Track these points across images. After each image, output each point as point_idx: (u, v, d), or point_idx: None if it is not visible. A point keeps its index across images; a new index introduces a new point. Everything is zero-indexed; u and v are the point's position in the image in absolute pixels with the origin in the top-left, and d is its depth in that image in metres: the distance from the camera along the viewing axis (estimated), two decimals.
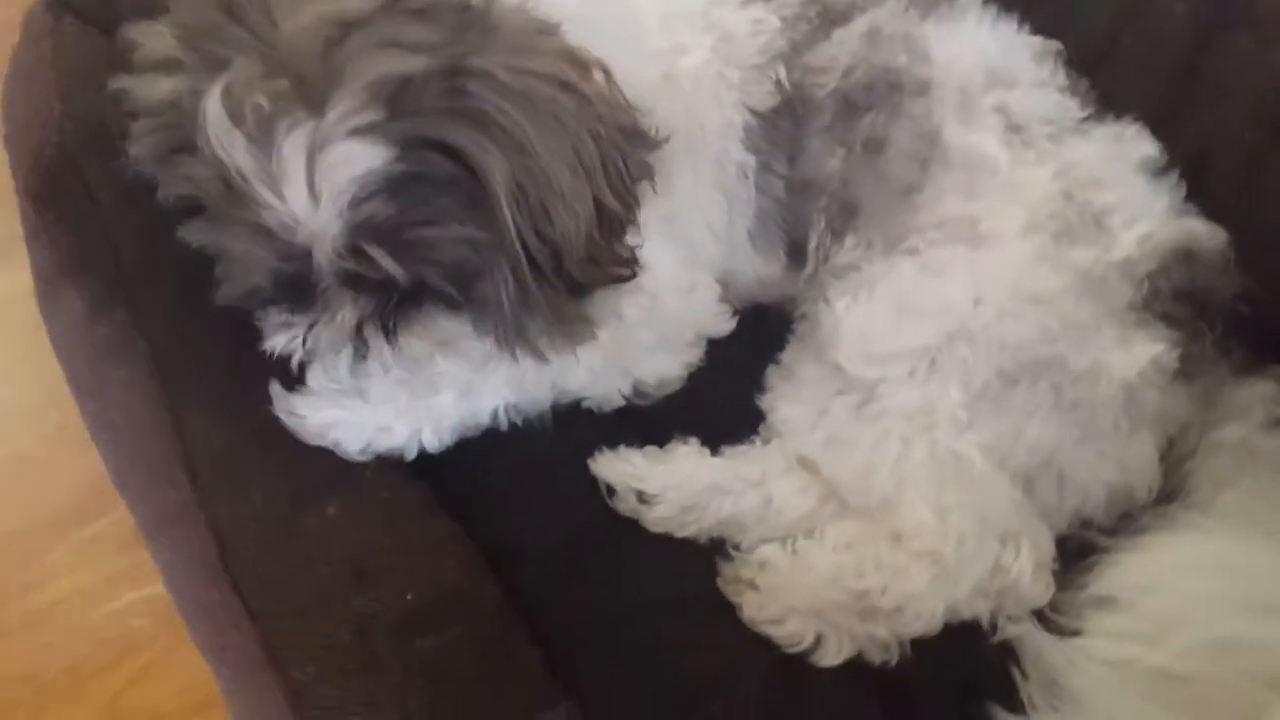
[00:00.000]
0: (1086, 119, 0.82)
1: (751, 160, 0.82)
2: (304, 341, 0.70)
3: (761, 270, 0.87)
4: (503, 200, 0.62)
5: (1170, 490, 0.78)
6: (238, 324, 0.72)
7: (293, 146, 0.59)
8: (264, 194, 0.60)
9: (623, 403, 0.81)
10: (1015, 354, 0.74)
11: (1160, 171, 0.81)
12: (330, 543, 0.66)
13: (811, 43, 0.83)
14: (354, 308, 0.67)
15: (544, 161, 0.63)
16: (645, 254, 0.73)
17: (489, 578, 0.69)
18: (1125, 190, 0.78)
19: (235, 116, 0.59)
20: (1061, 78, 0.85)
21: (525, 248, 0.64)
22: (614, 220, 0.68)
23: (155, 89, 0.64)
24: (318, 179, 0.60)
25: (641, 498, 0.77)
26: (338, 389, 0.72)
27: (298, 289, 0.66)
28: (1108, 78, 0.86)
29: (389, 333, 0.69)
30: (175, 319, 0.73)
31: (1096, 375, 0.73)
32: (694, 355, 0.84)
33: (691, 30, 0.82)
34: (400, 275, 0.63)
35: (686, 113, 0.77)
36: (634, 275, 0.72)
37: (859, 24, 0.84)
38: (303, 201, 0.60)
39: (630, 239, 0.70)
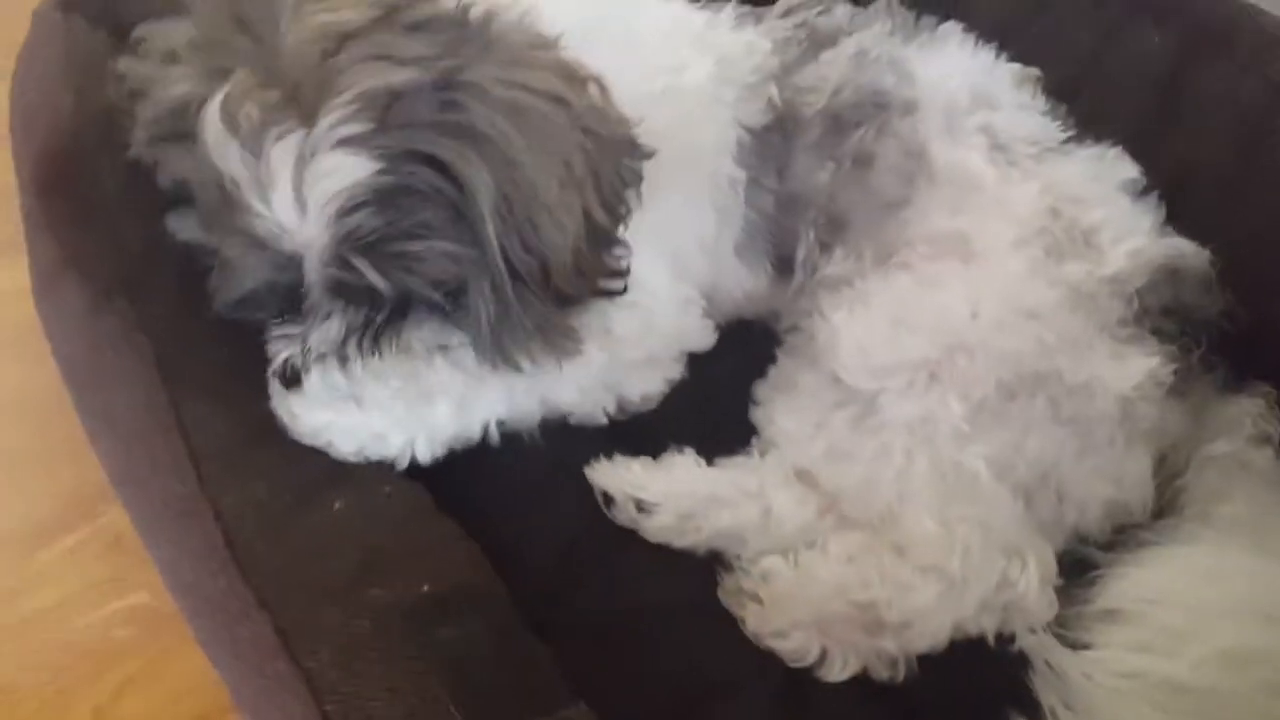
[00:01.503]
0: (1068, 140, 0.84)
1: (742, 175, 0.83)
2: (303, 352, 0.69)
3: (747, 284, 0.87)
4: (486, 215, 0.62)
5: (1163, 507, 0.78)
6: (234, 322, 0.70)
7: (281, 155, 0.59)
8: (254, 202, 0.60)
9: (606, 421, 0.80)
10: (1013, 367, 0.74)
11: (1141, 193, 0.82)
12: (338, 536, 0.64)
13: (801, 64, 0.85)
14: (342, 317, 0.67)
15: (532, 174, 0.63)
16: (637, 269, 0.73)
17: (496, 576, 0.67)
18: (1111, 208, 0.80)
19: (231, 125, 0.60)
20: (1041, 102, 0.87)
21: (509, 261, 0.64)
22: (602, 232, 0.68)
23: (165, 79, 0.64)
24: (304, 189, 0.60)
25: (640, 506, 0.75)
26: (335, 394, 0.70)
27: (290, 297, 0.65)
28: (1087, 104, 0.88)
29: (375, 343, 0.69)
30: (177, 312, 0.71)
31: (1092, 389, 0.74)
32: (677, 371, 0.83)
33: (691, 49, 0.83)
34: (385, 287, 0.63)
35: (683, 127, 0.77)
36: (624, 289, 0.72)
37: (846, 46, 0.86)
38: (289, 210, 0.60)
39: (620, 253, 0.71)
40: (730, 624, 0.73)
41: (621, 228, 0.70)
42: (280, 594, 0.60)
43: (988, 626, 0.72)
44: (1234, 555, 0.70)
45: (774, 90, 0.82)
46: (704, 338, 0.84)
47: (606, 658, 0.69)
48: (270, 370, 0.70)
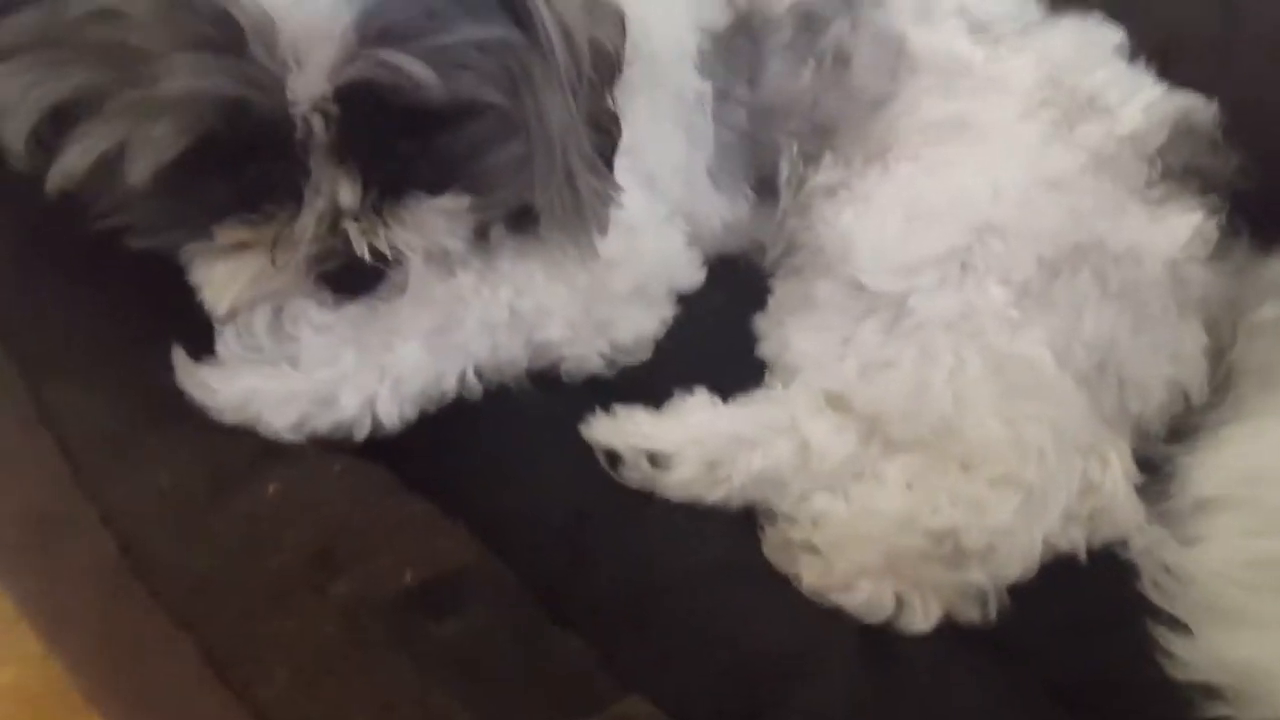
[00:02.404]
0: (1048, 15, 0.77)
1: (708, 88, 0.73)
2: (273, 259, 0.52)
3: (726, 212, 0.77)
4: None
5: (1214, 390, 0.70)
6: (99, 284, 0.56)
7: None
8: None
9: (601, 364, 0.67)
10: (1051, 241, 0.65)
11: (1131, 59, 0.76)
12: (277, 526, 0.49)
13: None
14: (348, 181, 0.51)
15: None
16: None
17: (495, 557, 0.52)
18: (1111, 70, 0.74)
19: None
20: None
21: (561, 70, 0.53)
22: (608, 62, 0.58)
23: None
24: None
25: (655, 461, 0.61)
26: (256, 357, 0.55)
27: (261, 148, 0.49)
28: None
29: (386, 225, 0.53)
30: (18, 283, 0.55)
31: (1139, 255, 0.66)
32: (669, 310, 0.71)
33: None
34: (437, 86, 0.48)
35: (639, 34, 0.66)
36: (615, 145, 0.61)
37: None
38: None
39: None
40: (783, 585, 0.60)
41: (621, 57, 0.60)
42: (207, 607, 0.45)
43: (1077, 539, 0.61)
44: None
45: None
46: (691, 270, 0.73)
47: (643, 643, 0.55)
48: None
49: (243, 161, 0.50)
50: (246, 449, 0.54)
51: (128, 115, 0.48)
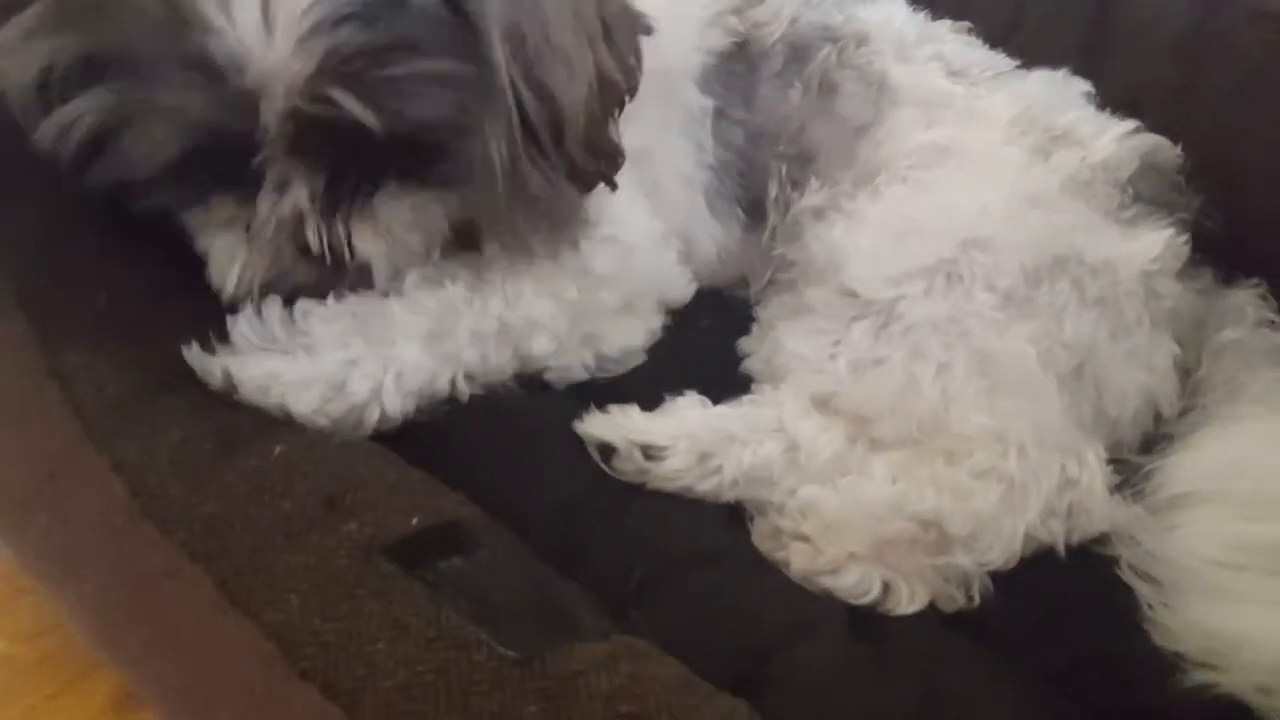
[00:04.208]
0: (1019, 67, 0.83)
1: (710, 104, 0.78)
2: (250, 237, 0.56)
3: (719, 236, 0.81)
4: (495, 36, 0.53)
5: (1183, 407, 0.73)
6: (114, 259, 0.59)
7: None
8: (211, 16, 0.49)
9: (585, 375, 0.70)
10: (1033, 252, 0.69)
11: (1099, 109, 0.81)
12: (286, 478, 0.50)
13: (751, 5, 0.81)
14: (304, 185, 0.54)
15: (544, 10, 0.55)
16: (614, 202, 0.67)
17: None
18: (1082, 111, 0.79)
19: None
20: (980, 42, 0.86)
21: (520, 105, 0.54)
22: (614, 92, 0.60)
23: None
24: None
25: (649, 453, 0.63)
26: (271, 346, 0.57)
27: (234, 159, 0.53)
28: (1016, 49, 0.87)
29: (345, 223, 0.56)
30: (39, 256, 0.57)
31: (1114, 266, 0.69)
32: (657, 322, 0.75)
33: None
34: (374, 122, 0.51)
35: (653, 47, 0.70)
36: (617, 170, 0.63)
37: None
38: (255, 23, 0.49)
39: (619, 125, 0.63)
40: (773, 570, 0.61)
41: (633, 85, 0.63)
42: (219, 543, 0.46)
43: (1056, 532, 0.64)
44: None
45: (733, 20, 0.79)
46: (682, 286, 0.76)
47: (639, 619, 0.56)
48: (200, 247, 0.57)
49: (226, 160, 0.54)
50: (252, 416, 0.56)
51: (130, 108, 0.52)
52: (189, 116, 0.51)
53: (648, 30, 0.64)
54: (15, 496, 0.53)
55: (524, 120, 0.55)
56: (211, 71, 0.50)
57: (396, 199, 0.58)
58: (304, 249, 0.56)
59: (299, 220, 0.55)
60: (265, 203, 0.54)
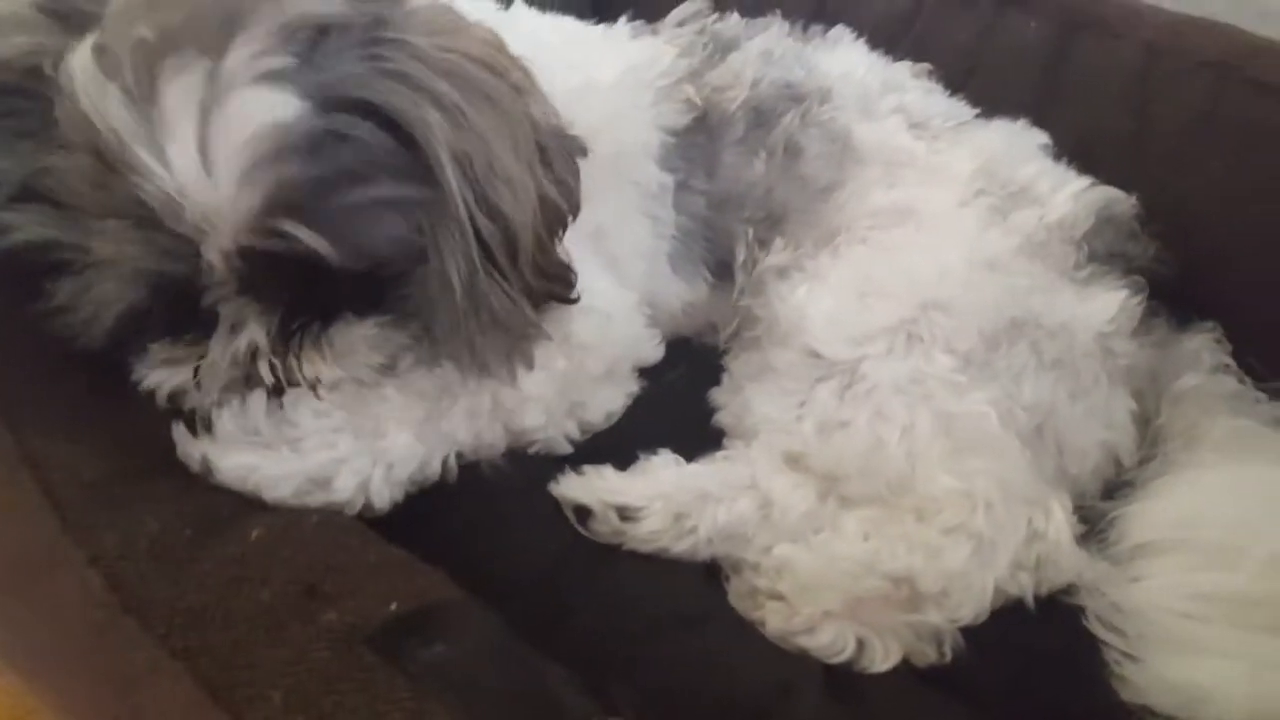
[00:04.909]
0: (978, 116, 0.85)
1: (670, 180, 0.79)
2: (196, 381, 0.56)
3: (686, 295, 0.83)
4: (445, 162, 0.53)
5: (1143, 457, 0.75)
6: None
7: (180, 94, 0.49)
8: (143, 158, 0.48)
9: (570, 448, 0.70)
10: (992, 316, 0.71)
11: (1055, 158, 0.84)
12: (266, 565, 0.50)
13: (710, 66, 0.83)
14: (259, 324, 0.54)
15: (485, 137, 0.56)
16: (584, 276, 0.66)
17: (475, 597, 0.53)
18: (1040, 165, 0.81)
19: (109, 68, 0.49)
20: (941, 88, 0.89)
21: (474, 224, 0.55)
22: (555, 216, 0.62)
23: (5, 48, 0.52)
24: (212, 134, 0.49)
25: (624, 514, 0.64)
26: (253, 436, 0.58)
27: (183, 305, 0.53)
28: (974, 95, 0.90)
29: (297, 360, 0.56)
30: (2, 333, 0.56)
31: (1071, 329, 0.72)
32: (635, 385, 0.76)
33: (597, 54, 0.80)
34: (330, 253, 0.51)
35: (606, 129, 0.72)
36: (574, 293, 0.65)
37: (752, 46, 0.86)
38: (191, 164, 0.48)
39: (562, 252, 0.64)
40: (749, 629, 0.63)
41: (574, 207, 0.63)
42: (198, 638, 0.46)
43: (1025, 585, 0.65)
44: (1247, 469, 0.68)
45: (690, 90, 0.80)
46: (653, 348, 0.77)
47: (622, 687, 0.56)
48: (146, 386, 0.57)
49: (172, 306, 0.54)
50: (228, 498, 0.56)
51: (71, 252, 0.51)
52: (130, 268, 0.50)
53: (583, 152, 0.64)
54: None
55: (479, 239, 0.55)
56: (145, 218, 0.49)
57: (352, 326, 0.58)
58: (255, 379, 0.56)
59: (252, 357, 0.55)
60: (219, 345, 0.54)
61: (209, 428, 0.57)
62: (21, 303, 0.55)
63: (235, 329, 0.55)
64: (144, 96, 0.48)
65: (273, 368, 0.56)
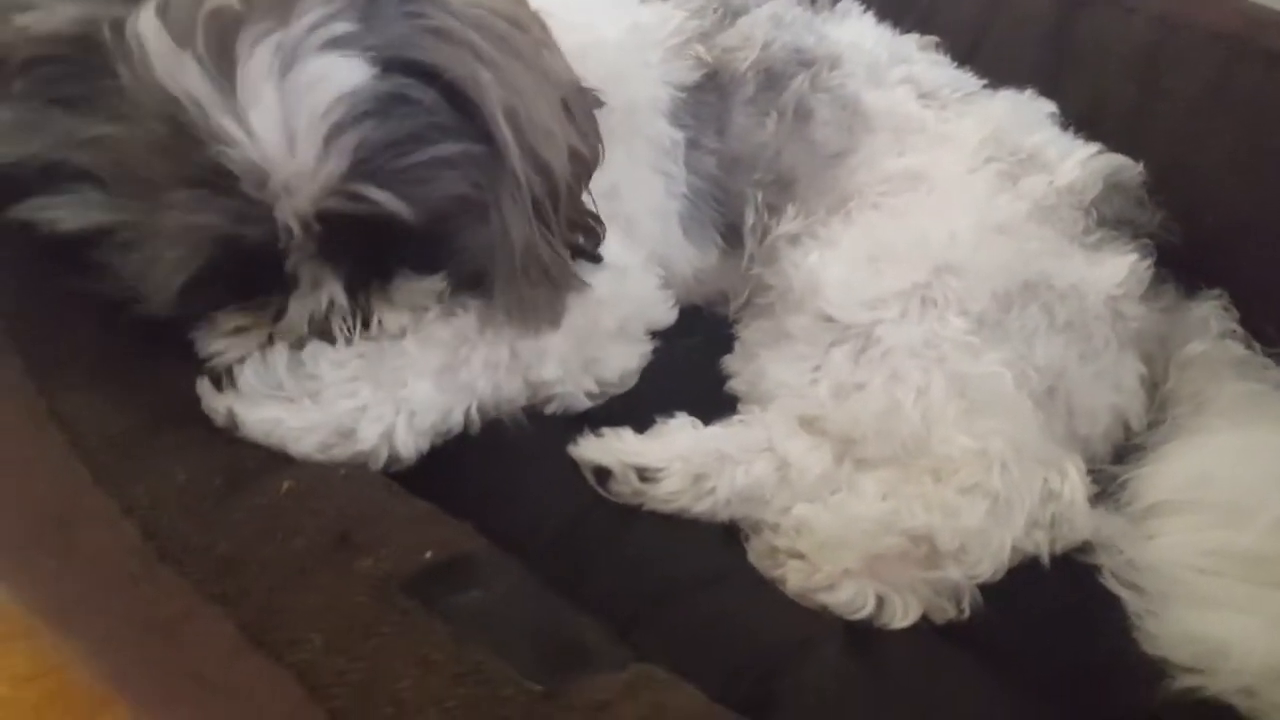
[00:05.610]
0: (986, 86, 0.86)
1: (680, 137, 0.79)
2: (278, 335, 0.58)
3: (696, 260, 0.83)
4: (499, 116, 0.55)
5: (1151, 421, 0.76)
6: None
7: (263, 61, 0.49)
8: (226, 126, 0.49)
9: (588, 404, 0.70)
10: (1004, 278, 0.72)
11: (1062, 129, 0.84)
12: (297, 514, 0.50)
13: (721, 28, 0.83)
14: (338, 281, 0.56)
15: (524, 90, 0.57)
16: None
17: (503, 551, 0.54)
18: (1047, 133, 0.82)
19: (180, 36, 0.48)
20: (947, 60, 0.89)
21: (527, 179, 0.57)
22: (584, 165, 0.63)
23: (51, 18, 0.51)
24: (291, 101, 0.50)
25: (644, 475, 0.64)
26: (276, 389, 0.58)
27: (251, 270, 0.54)
28: (981, 65, 0.91)
29: (366, 314, 0.58)
30: (32, 293, 0.56)
31: (1082, 291, 0.72)
32: (647, 346, 0.76)
33: (604, 15, 0.80)
34: (405, 213, 0.53)
35: (615, 85, 0.72)
36: (599, 243, 0.66)
37: (762, 12, 0.86)
38: (275, 132, 0.49)
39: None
40: (769, 587, 0.63)
41: (598, 159, 0.64)
42: (236, 584, 0.46)
43: (1041, 543, 0.66)
44: (1255, 433, 0.69)
45: (700, 49, 0.80)
46: (666, 310, 0.77)
47: (643, 644, 0.57)
48: (211, 359, 0.58)
49: (242, 270, 0.54)
50: (254, 451, 0.56)
51: (130, 230, 0.51)
52: (203, 235, 0.50)
53: (599, 104, 0.65)
54: (19, 540, 0.53)
55: (531, 193, 0.57)
56: (224, 185, 0.49)
57: (410, 280, 0.60)
58: (328, 335, 0.57)
59: (327, 315, 0.57)
60: (298, 305, 0.56)
61: (233, 382, 0.57)
62: (47, 266, 0.56)
63: (314, 288, 0.56)
64: (221, 65, 0.49)
65: (348, 319, 0.58)
